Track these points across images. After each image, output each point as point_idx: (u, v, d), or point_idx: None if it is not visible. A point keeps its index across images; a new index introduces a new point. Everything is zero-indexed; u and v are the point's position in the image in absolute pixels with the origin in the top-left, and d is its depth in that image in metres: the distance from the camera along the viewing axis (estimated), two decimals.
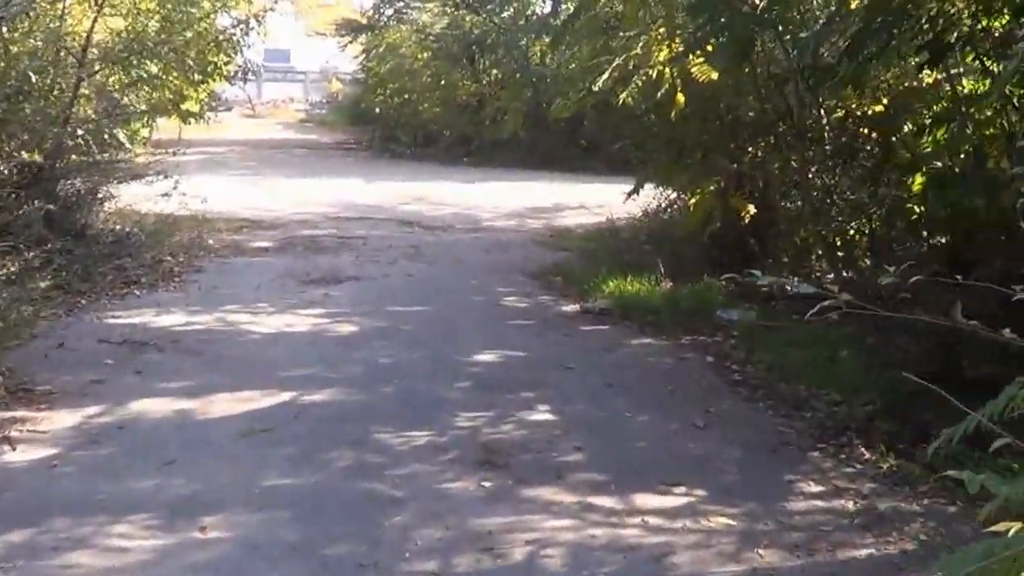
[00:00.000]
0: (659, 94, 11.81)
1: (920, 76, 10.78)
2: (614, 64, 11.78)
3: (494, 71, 32.12)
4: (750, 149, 13.12)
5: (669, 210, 15.63)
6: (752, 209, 12.41)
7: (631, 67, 11.91)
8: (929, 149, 10.14)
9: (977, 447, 6.49)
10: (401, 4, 34.30)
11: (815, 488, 6.62)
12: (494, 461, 6.90)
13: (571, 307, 11.97)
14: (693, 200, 12.79)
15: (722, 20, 10.30)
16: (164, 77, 15.73)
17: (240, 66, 17.38)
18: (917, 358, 8.39)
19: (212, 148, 29.59)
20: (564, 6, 13.49)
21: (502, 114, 29.53)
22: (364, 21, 35.88)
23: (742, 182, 13.10)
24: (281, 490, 6.41)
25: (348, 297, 12.15)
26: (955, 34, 8.37)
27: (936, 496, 6.44)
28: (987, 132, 9.36)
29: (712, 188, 12.68)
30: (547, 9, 31.24)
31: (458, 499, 6.31)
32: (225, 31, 15.96)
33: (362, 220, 18.39)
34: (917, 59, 9.57)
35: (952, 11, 8.20)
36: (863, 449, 7.22)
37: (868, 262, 11.77)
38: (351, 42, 36.64)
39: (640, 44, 11.75)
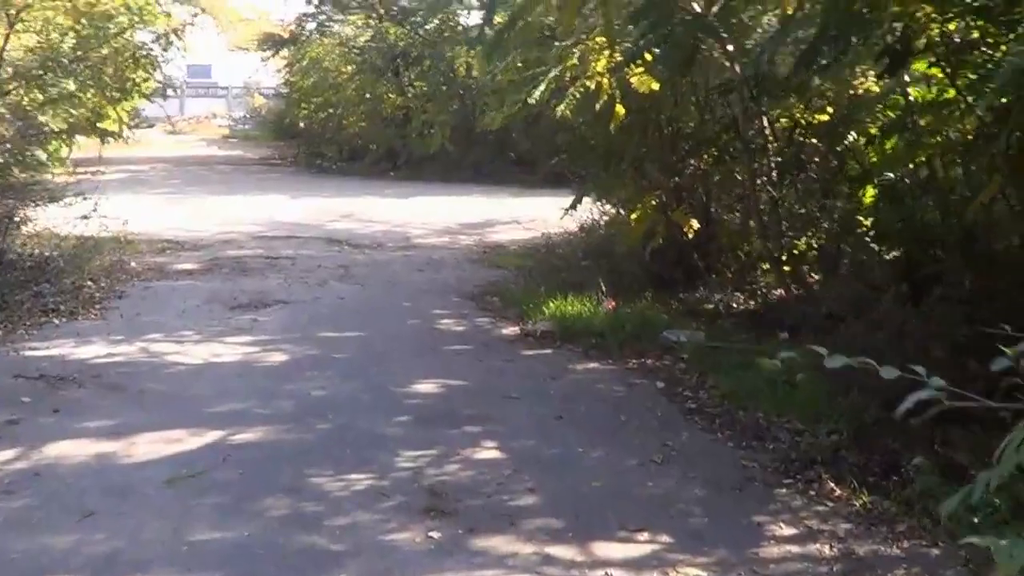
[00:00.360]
0: (597, 106, 11.33)
1: (858, 84, 10.47)
2: (550, 75, 11.28)
3: (420, 84, 31.56)
4: (692, 162, 12.72)
5: (607, 225, 15.14)
6: (695, 224, 11.98)
7: (567, 78, 11.44)
8: (877, 159, 9.80)
9: (951, 479, 6.11)
10: (324, 17, 33.69)
11: (787, 531, 6.12)
12: (441, 507, 6.34)
13: (511, 330, 11.46)
14: (634, 215, 12.29)
15: (665, 28, 9.88)
16: (81, 95, 15.06)
17: (160, 83, 16.74)
18: (877, 381, 7.98)
19: (134, 166, 28.95)
20: (497, 17, 12.73)
21: (429, 127, 29.03)
22: (286, 35, 35.24)
23: (683, 196, 12.69)
24: (211, 545, 5.83)
25: (277, 323, 11.55)
26: (923, 39, 7.96)
27: (916, 536, 5.97)
28: (934, 140, 9.01)
29: (653, 203, 12.23)
30: (471, 20, 30.90)
31: (405, 553, 5.74)
32: (143, 47, 15.34)
33: (290, 239, 17.78)
34: (874, 66, 9.18)
35: (919, 14, 7.77)
36: (833, 484, 6.72)
37: (816, 277, 11.41)
38: (273, 56, 36.03)
39: (576, 54, 11.27)
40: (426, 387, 9.20)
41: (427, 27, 30.95)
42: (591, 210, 14.95)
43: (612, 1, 10.93)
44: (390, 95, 31.48)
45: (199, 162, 33.77)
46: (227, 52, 45.40)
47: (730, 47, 10.66)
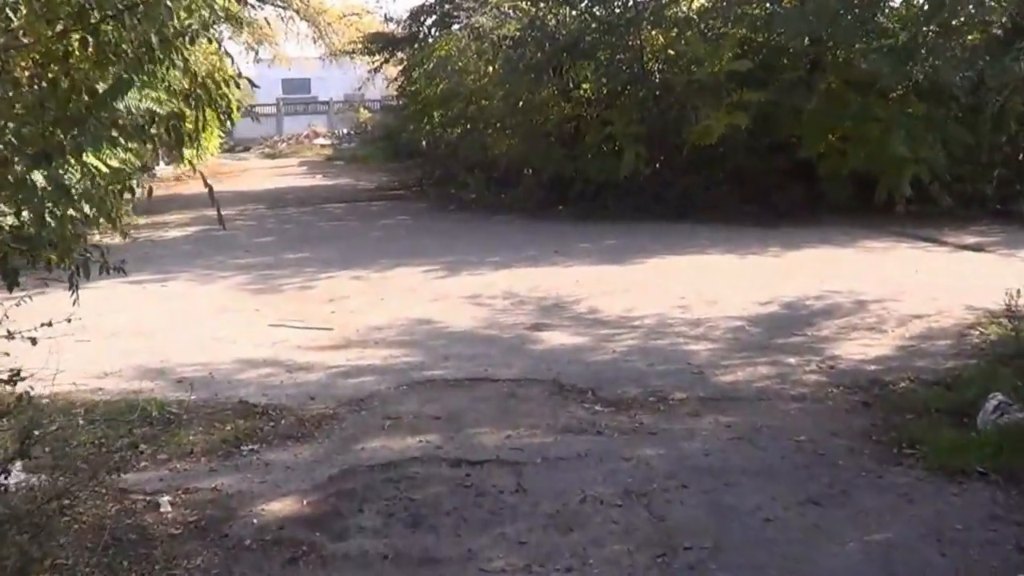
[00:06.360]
0: None
1: None
2: None
3: (586, 86, 22.59)
4: None
5: None
6: None
7: None
8: None
9: None
10: (450, 6, 24.72)
11: None
12: None
13: None
14: None
15: None
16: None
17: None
18: None
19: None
20: None
21: (612, 144, 20.40)
22: (400, 33, 26.75)
23: None
24: None
25: None
26: None
27: None
28: None
29: None
30: None
31: None
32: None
33: (475, 386, 8.95)
34: None
35: None
36: None
37: None
38: (388, 60, 27.67)
39: None
40: None
41: (604, 7, 22.04)
42: None
43: None
44: (554, 102, 22.61)
45: (301, 199, 25.13)
46: (327, 61, 37.27)
47: None
